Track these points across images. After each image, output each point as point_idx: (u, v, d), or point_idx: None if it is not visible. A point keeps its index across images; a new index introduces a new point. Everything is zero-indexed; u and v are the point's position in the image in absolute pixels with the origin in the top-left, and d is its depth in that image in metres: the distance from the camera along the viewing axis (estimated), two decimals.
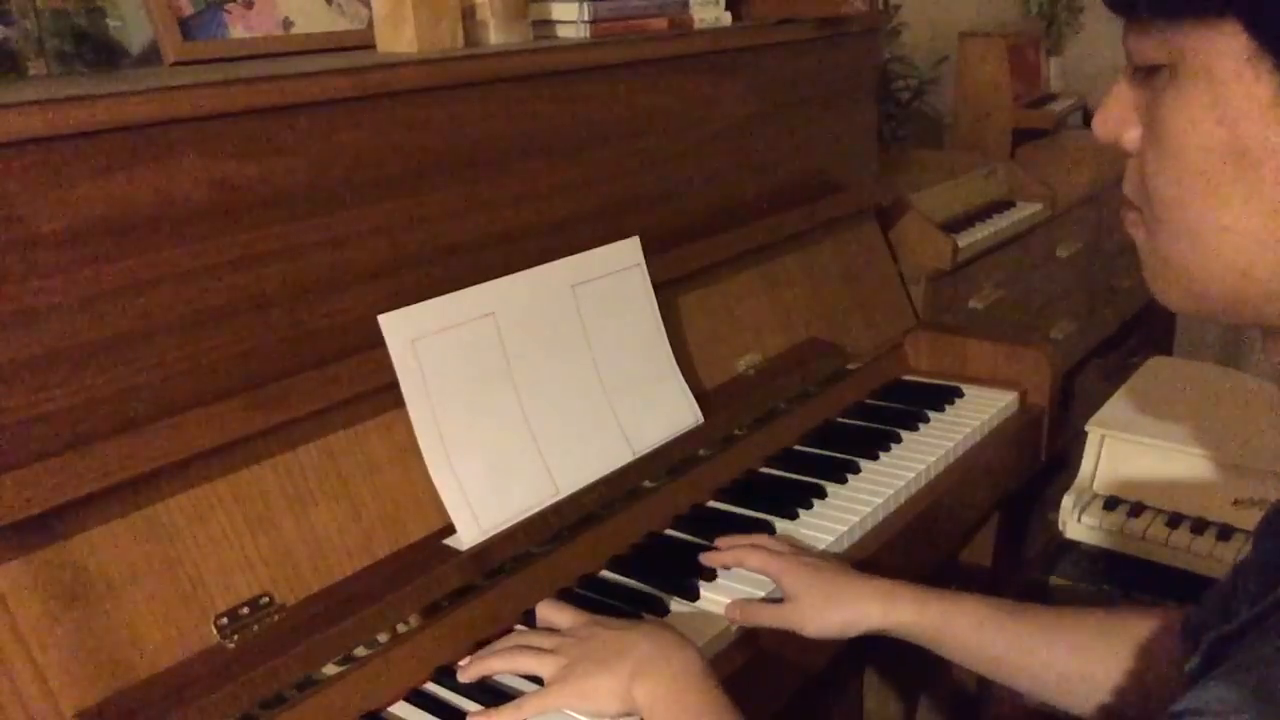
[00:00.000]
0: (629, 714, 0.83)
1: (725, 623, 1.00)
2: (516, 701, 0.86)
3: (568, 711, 0.85)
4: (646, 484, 1.17)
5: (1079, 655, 0.88)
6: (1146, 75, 0.59)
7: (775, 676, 1.02)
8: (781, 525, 1.16)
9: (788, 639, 0.98)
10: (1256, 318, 0.59)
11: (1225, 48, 0.53)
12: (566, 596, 1.04)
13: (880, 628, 0.96)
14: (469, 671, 0.91)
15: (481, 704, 0.88)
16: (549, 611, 0.95)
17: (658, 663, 0.83)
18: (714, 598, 1.03)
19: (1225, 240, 0.56)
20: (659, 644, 0.85)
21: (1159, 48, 0.57)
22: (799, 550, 1.06)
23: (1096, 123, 0.64)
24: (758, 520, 1.16)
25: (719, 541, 1.09)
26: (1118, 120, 0.62)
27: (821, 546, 1.11)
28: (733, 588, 1.04)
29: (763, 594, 1.03)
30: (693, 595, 1.03)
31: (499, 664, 0.90)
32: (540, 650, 0.89)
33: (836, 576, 0.99)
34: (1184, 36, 0.55)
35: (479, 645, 0.97)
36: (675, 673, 0.83)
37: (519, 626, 1.00)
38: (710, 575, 1.06)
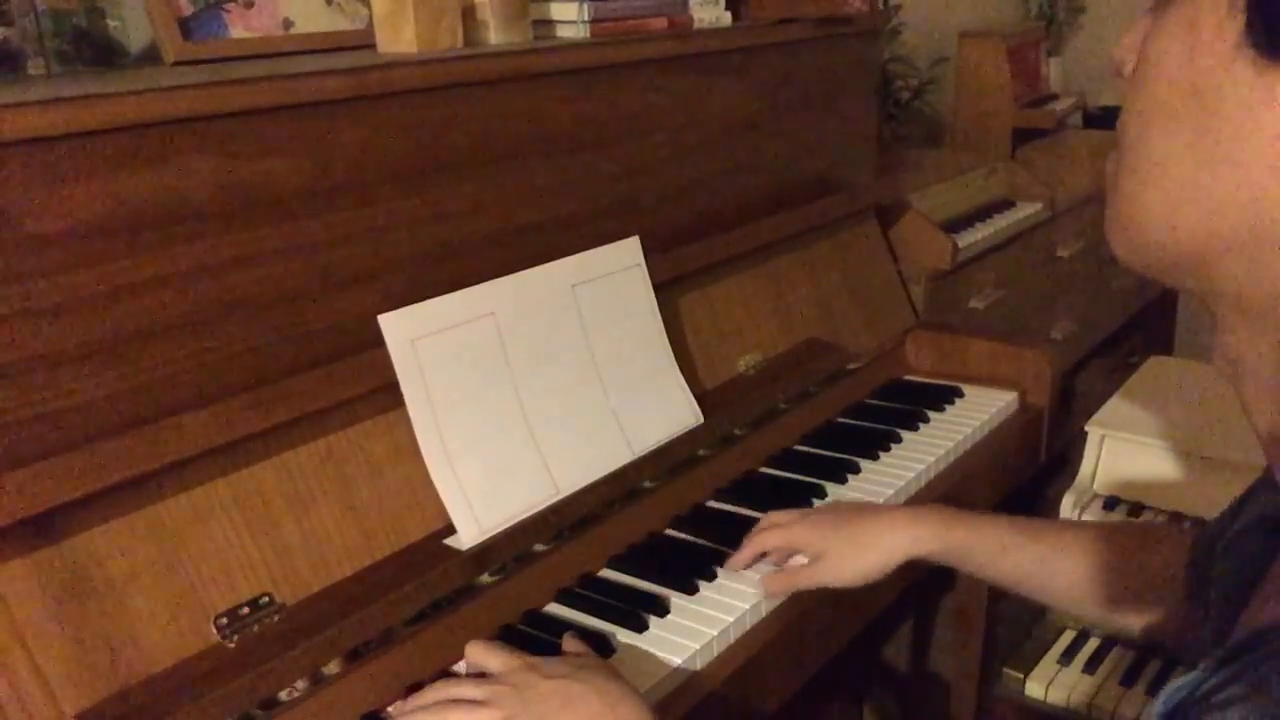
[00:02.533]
0: None
1: (724, 623, 0.99)
2: None
3: None
4: (646, 484, 1.17)
5: (1094, 574, 0.92)
6: (1160, 5, 0.59)
7: (764, 686, 1.03)
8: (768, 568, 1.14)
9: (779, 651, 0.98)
10: (1180, 283, 0.56)
11: None
12: (567, 596, 1.04)
13: (910, 558, 0.99)
14: None
15: None
16: (478, 654, 0.87)
17: (604, 716, 0.78)
18: (714, 597, 1.03)
19: (1161, 183, 0.53)
20: (604, 697, 0.79)
21: None
22: (806, 511, 1.09)
23: (1113, 51, 0.62)
24: (758, 520, 1.16)
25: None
26: (1126, 49, 0.60)
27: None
28: (733, 586, 1.04)
29: (763, 592, 1.03)
30: (693, 593, 1.03)
31: (427, 719, 0.81)
32: (473, 703, 0.80)
33: (857, 521, 1.02)
34: None
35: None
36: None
37: (460, 665, 0.94)
38: (710, 575, 1.06)
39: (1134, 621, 0.92)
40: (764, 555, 1.07)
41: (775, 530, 1.05)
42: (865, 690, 1.76)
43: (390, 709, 0.88)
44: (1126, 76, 0.59)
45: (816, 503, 1.20)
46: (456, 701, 0.81)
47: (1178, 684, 0.52)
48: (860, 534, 1.00)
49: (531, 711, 0.78)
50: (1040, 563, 0.95)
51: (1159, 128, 0.54)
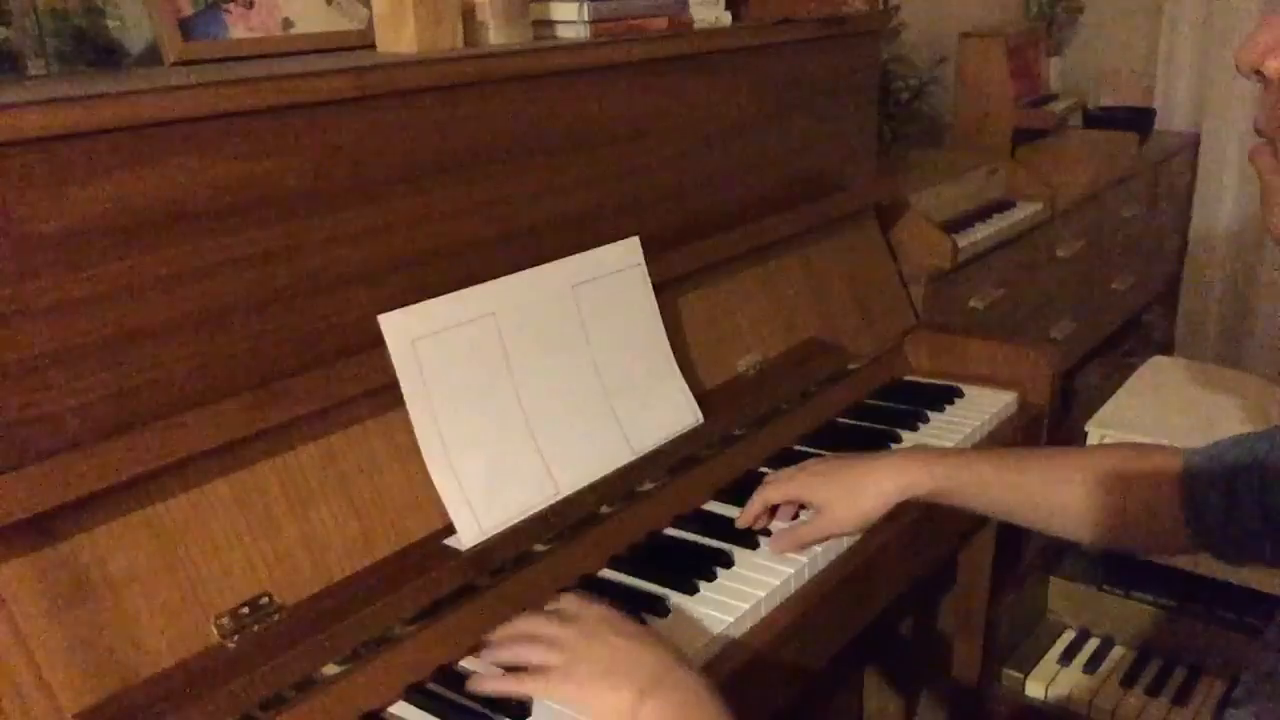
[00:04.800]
0: None
1: (723, 624, 0.99)
2: (518, 676, 0.85)
3: (559, 706, 0.84)
4: (647, 484, 1.17)
5: (1081, 502, 0.97)
6: None
7: (777, 677, 1.03)
8: (782, 524, 1.16)
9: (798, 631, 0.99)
10: None
11: None
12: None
13: (903, 498, 1.06)
14: (484, 660, 0.91)
15: (483, 708, 0.88)
16: (566, 602, 0.94)
17: (668, 683, 0.81)
18: (713, 597, 1.03)
19: None
20: (669, 664, 0.83)
21: None
22: (803, 464, 1.14)
23: (1241, 52, 0.63)
24: None
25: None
26: (1265, 48, 0.62)
27: (820, 548, 1.11)
28: (733, 586, 1.04)
29: (763, 593, 1.03)
30: (693, 593, 1.04)
31: (506, 655, 0.89)
32: (546, 641, 0.87)
33: (849, 470, 1.09)
34: None
35: (479, 646, 0.97)
36: (687, 697, 0.81)
37: (465, 663, 0.96)
38: (711, 575, 1.06)
39: (1124, 540, 0.99)
40: (772, 512, 1.14)
41: (777, 484, 1.12)
42: (867, 660, 1.76)
43: (486, 636, 0.93)
44: (1270, 74, 0.61)
45: None
46: (532, 639, 0.88)
47: None
48: (855, 481, 1.07)
49: (597, 660, 0.83)
50: (1030, 493, 1.00)
51: None
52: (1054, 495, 0.99)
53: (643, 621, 0.99)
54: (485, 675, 0.87)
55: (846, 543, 1.14)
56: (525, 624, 0.91)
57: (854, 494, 1.07)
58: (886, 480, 1.06)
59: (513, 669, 0.88)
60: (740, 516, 1.14)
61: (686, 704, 0.81)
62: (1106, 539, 1.00)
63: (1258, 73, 0.63)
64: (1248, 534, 0.87)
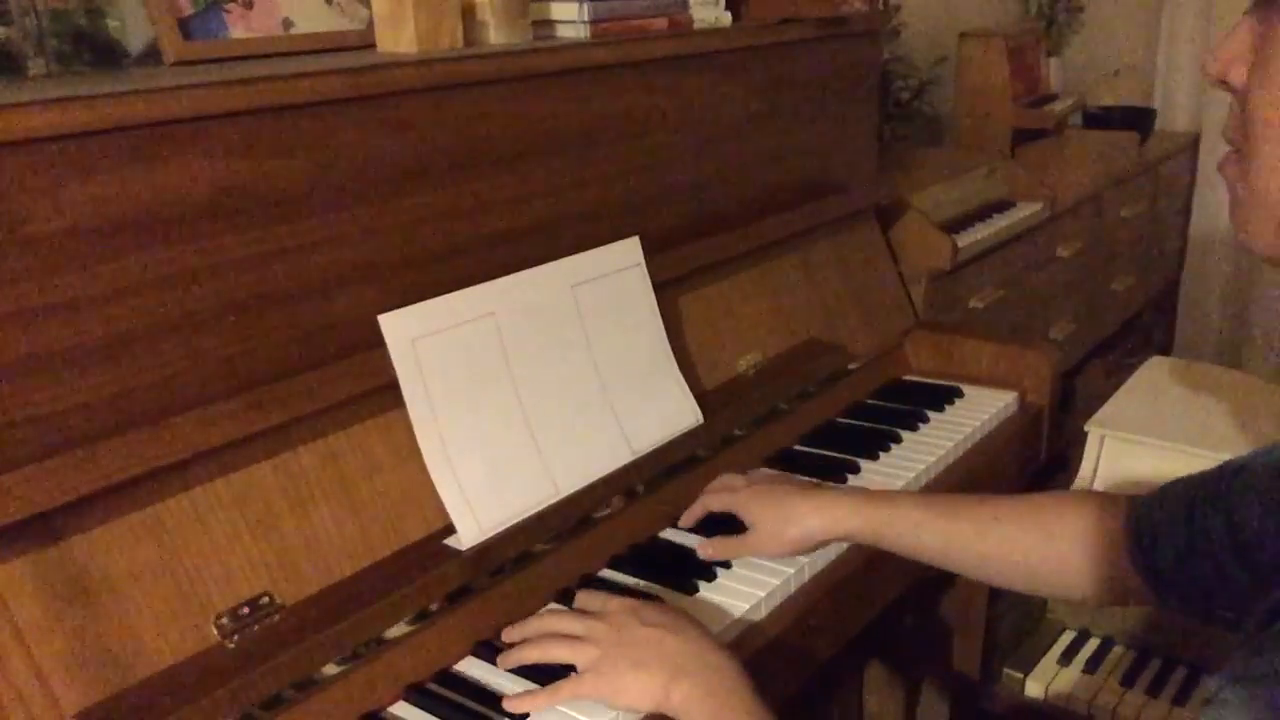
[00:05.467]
0: (660, 712, 0.84)
1: (728, 619, 1.00)
2: (552, 686, 0.86)
3: (595, 701, 0.85)
4: (646, 484, 1.17)
5: (1014, 549, 0.96)
6: (1265, 11, 0.60)
7: (787, 666, 1.03)
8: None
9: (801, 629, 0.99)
10: None
11: None
12: (567, 597, 1.04)
13: (828, 537, 1.06)
14: (505, 661, 0.92)
15: (483, 707, 0.88)
16: (585, 598, 0.96)
17: (697, 667, 0.83)
18: (711, 598, 1.03)
19: None
20: (697, 647, 0.85)
21: None
22: (754, 476, 1.17)
23: (1209, 59, 0.64)
24: None
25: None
26: (1230, 57, 0.62)
27: (820, 548, 1.11)
28: (732, 586, 1.05)
29: (763, 593, 1.03)
30: (691, 593, 1.04)
31: (534, 654, 0.90)
32: (574, 638, 0.88)
33: (786, 498, 1.08)
34: None
35: (479, 645, 0.97)
36: (715, 679, 0.82)
37: (555, 605, 1.02)
38: (710, 575, 1.06)
39: (1063, 589, 0.96)
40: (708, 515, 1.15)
41: (723, 493, 1.13)
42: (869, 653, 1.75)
43: (503, 634, 0.95)
44: (1235, 84, 0.62)
45: None
46: (559, 637, 0.89)
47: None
48: (787, 511, 1.06)
49: (626, 653, 0.85)
50: (952, 539, 0.99)
51: None
52: (987, 543, 0.97)
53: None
54: (516, 696, 0.87)
55: (846, 542, 1.14)
56: (549, 622, 0.92)
57: (782, 524, 1.06)
58: (812, 516, 1.05)
59: (533, 672, 0.89)
60: (684, 516, 1.16)
61: (715, 685, 0.82)
62: (1044, 588, 0.97)
63: (1224, 82, 0.63)
64: (1210, 571, 0.82)
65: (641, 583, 1.06)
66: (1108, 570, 0.91)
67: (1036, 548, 0.95)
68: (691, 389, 1.24)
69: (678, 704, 0.82)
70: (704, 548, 1.09)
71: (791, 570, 1.07)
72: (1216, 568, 0.82)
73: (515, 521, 1.03)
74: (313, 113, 0.93)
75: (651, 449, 1.17)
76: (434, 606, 0.95)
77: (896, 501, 1.04)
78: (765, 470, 1.25)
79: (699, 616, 1.00)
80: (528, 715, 0.87)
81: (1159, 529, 0.86)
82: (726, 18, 1.43)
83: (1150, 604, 0.89)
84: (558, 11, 1.28)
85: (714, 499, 1.14)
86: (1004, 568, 0.97)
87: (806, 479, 1.18)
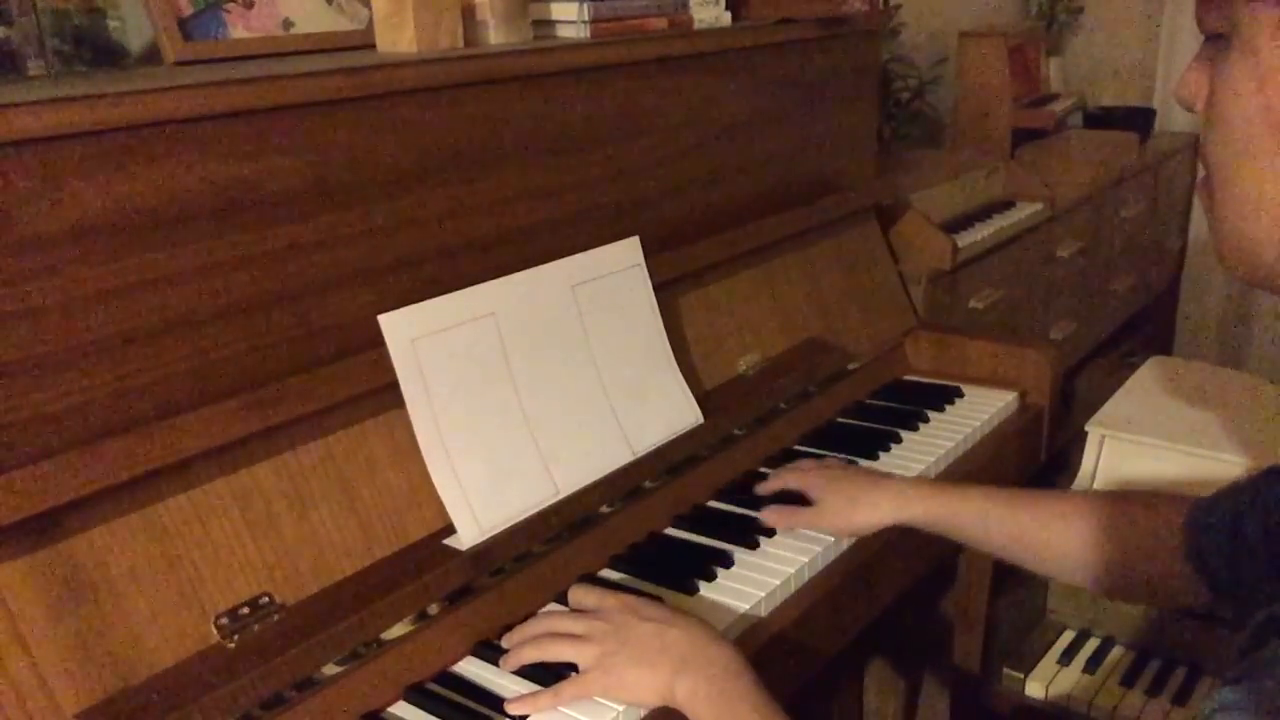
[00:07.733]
0: (665, 707, 0.84)
1: (729, 618, 1.00)
2: (555, 687, 0.86)
3: (601, 700, 0.85)
4: (647, 484, 1.17)
5: (1076, 544, 0.98)
6: (1214, 45, 0.61)
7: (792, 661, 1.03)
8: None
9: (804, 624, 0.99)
10: None
11: (1265, 18, 0.55)
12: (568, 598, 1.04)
13: (895, 522, 1.09)
14: (508, 663, 0.92)
15: (483, 707, 0.88)
16: (580, 593, 0.96)
17: (699, 660, 0.83)
18: (712, 598, 1.03)
19: (1261, 212, 0.58)
20: (699, 640, 0.85)
21: (1219, 18, 0.59)
22: (827, 461, 1.23)
23: (1176, 87, 0.66)
24: (757, 520, 1.16)
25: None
26: (1193, 87, 0.64)
27: (820, 548, 1.11)
28: (732, 586, 1.05)
29: (763, 593, 1.03)
30: (692, 593, 1.04)
31: (535, 654, 0.90)
32: (574, 637, 0.89)
33: (856, 480, 1.13)
34: (1234, 7, 0.57)
35: (480, 646, 0.97)
36: (717, 671, 0.83)
37: (554, 605, 1.02)
38: (710, 575, 1.06)
39: (1126, 587, 0.98)
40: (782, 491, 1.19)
41: (796, 473, 1.19)
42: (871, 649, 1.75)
43: (504, 639, 0.95)
44: (1199, 111, 0.63)
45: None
46: (559, 636, 0.89)
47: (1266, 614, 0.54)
48: (857, 493, 1.11)
49: (629, 650, 0.85)
50: (1024, 531, 1.01)
51: (1248, 163, 0.58)
52: (1048, 535, 0.99)
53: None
54: (519, 698, 0.87)
55: (846, 543, 1.14)
56: (548, 623, 0.92)
57: (852, 505, 1.10)
58: (885, 502, 1.09)
59: (534, 672, 0.89)
60: (762, 485, 1.20)
61: (718, 678, 0.82)
62: (1106, 586, 0.98)
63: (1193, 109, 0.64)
64: (1254, 573, 0.84)
65: (641, 582, 1.06)
66: (1178, 576, 0.91)
67: (1103, 547, 0.96)
68: (692, 389, 1.24)
69: (683, 698, 0.82)
70: (768, 514, 1.13)
71: (791, 570, 1.07)
72: (1259, 573, 0.83)
73: (515, 521, 1.03)
74: (313, 113, 0.93)
75: (651, 449, 1.17)
76: (434, 606, 0.95)
77: (968, 493, 1.07)
78: (836, 457, 1.29)
79: (699, 616, 1.00)
80: (528, 716, 0.87)
81: (1211, 535, 0.88)
82: (726, 17, 1.43)
83: (1209, 608, 0.90)
84: (558, 11, 1.28)
85: (790, 476, 1.18)
86: (1066, 563, 0.99)
87: (872, 469, 1.24)
